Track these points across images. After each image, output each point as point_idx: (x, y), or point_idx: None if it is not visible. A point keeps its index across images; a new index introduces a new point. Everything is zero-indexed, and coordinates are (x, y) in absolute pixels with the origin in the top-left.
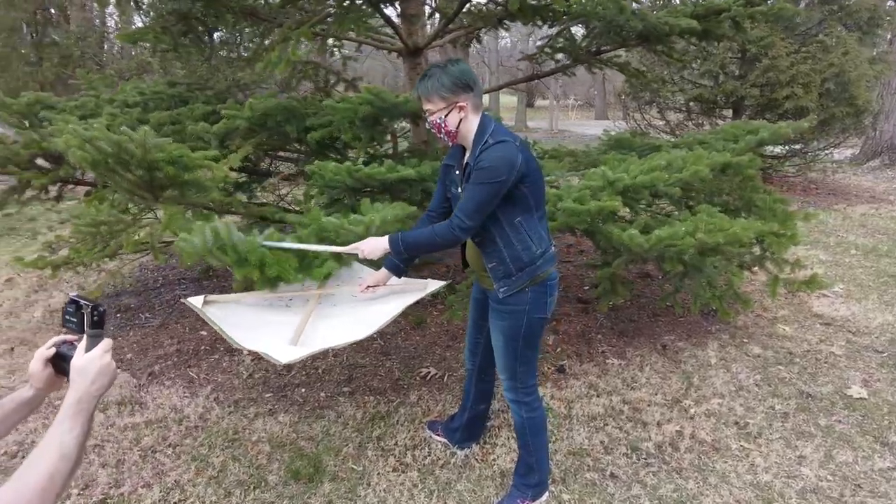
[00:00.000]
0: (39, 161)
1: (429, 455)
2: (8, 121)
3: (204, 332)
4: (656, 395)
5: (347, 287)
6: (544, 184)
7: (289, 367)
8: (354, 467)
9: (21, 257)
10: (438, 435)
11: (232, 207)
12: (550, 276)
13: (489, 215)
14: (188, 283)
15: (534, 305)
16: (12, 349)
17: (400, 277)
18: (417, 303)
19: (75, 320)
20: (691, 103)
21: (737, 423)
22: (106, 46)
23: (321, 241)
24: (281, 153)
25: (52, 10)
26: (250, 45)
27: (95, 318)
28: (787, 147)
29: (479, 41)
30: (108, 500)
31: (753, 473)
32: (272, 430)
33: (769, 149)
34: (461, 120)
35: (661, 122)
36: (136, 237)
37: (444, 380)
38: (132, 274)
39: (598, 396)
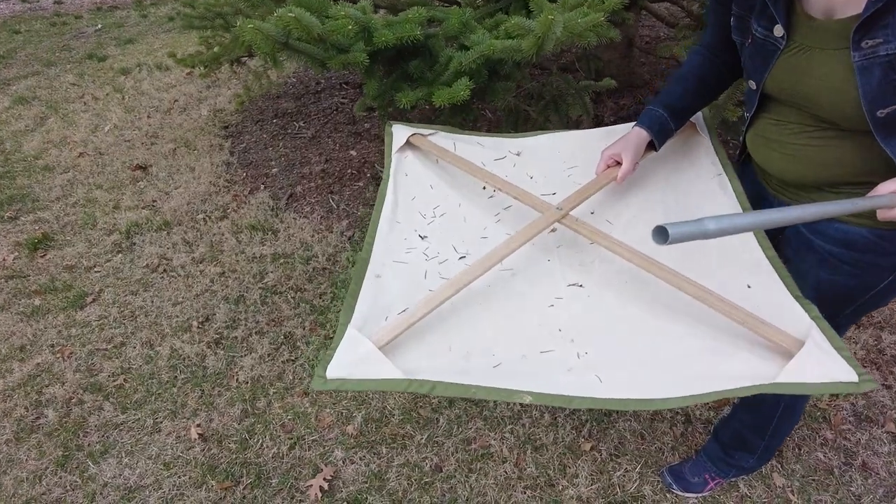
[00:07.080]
0: None
1: None
2: None
3: (353, 153)
4: None
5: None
6: None
7: None
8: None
9: (174, 52)
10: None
11: None
12: None
13: None
14: (349, 88)
15: None
16: (175, 150)
17: (658, 150)
18: None
19: None
20: None
21: None
22: None
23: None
24: None
25: None
26: None
27: None
28: None
29: None
30: (223, 341)
31: None
32: None
33: None
34: None
35: None
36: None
37: None
38: (296, 73)
39: (867, 422)
